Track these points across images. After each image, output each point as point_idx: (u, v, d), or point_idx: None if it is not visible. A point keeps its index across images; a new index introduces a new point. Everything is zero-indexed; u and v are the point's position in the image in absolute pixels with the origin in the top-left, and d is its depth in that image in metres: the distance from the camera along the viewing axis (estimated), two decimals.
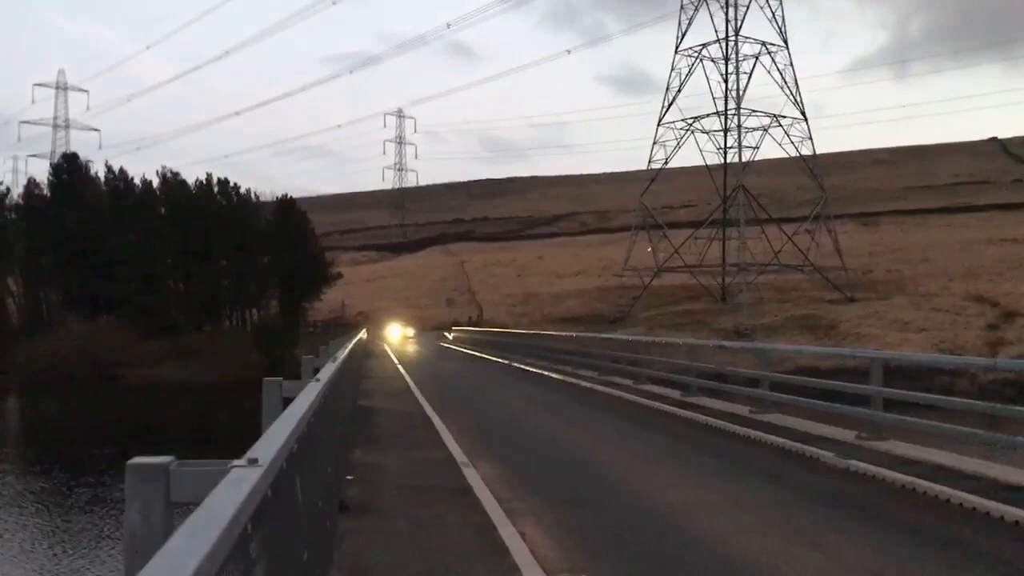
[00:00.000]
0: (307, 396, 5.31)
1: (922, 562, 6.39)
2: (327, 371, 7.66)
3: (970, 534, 7.14)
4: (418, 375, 25.89)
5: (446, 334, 63.10)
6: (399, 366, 30.74)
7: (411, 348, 50.22)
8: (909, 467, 9.47)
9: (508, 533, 7.17)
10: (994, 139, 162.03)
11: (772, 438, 11.98)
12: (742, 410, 14.91)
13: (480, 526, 7.48)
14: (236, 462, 2.73)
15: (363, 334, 33.11)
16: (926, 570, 6.17)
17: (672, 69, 65.07)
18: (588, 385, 21.71)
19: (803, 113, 63.53)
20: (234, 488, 2.37)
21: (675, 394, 18.01)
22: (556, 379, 24.18)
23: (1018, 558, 6.49)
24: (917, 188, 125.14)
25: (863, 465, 9.70)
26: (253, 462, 2.73)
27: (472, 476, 9.69)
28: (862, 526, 7.50)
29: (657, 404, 16.88)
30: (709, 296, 62.26)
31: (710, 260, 61.81)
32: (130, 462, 2.85)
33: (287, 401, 6.56)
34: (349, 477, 9.15)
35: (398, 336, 63.26)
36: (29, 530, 17.67)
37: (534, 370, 27.71)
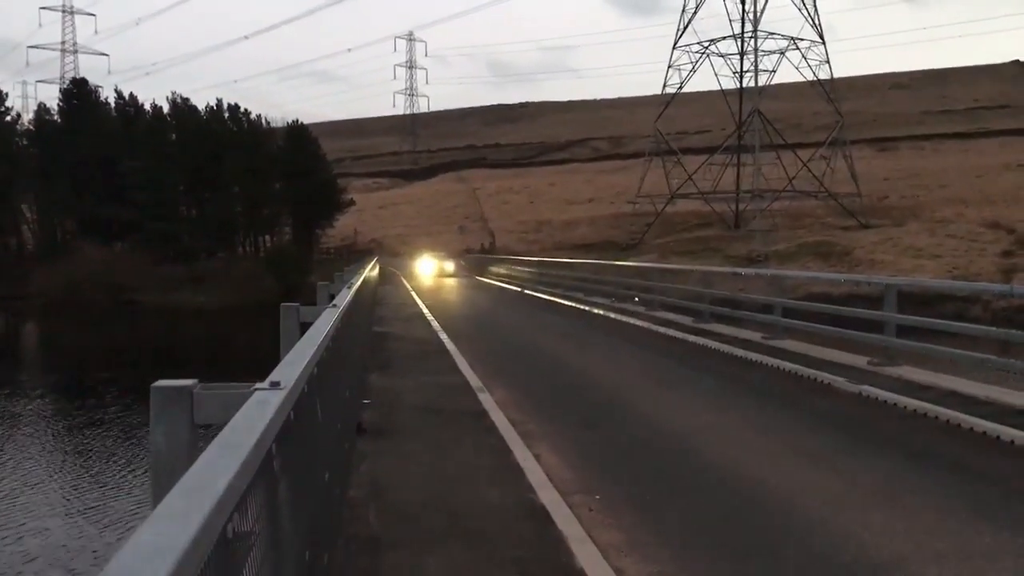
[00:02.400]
0: (325, 321, 5.35)
1: (932, 485, 6.46)
2: (343, 297, 7.70)
3: (981, 459, 7.20)
4: (431, 302, 25.98)
5: (462, 261, 59.19)
6: (413, 293, 30.85)
7: (433, 282, 40.73)
8: (921, 392, 9.52)
9: (523, 455, 7.27)
10: (1016, 62, 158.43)
11: (784, 363, 12.04)
12: (754, 336, 14.94)
13: (495, 448, 7.59)
14: (259, 385, 2.76)
15: (372, 269, 23.98)
16: (937, 493, 6.24)
17: None
18: (601, 312, 21.77)
19: (821, 36, 62.30)
20: (259, 410, 2.40)
21: (687, 320, 18.06)
22: (569, 305, 24.24)
23: None
24: (935, 113, 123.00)
25: (875, 390, 9.75)
26: (275, 385, 2.76)
27: (487, 400, 9.80)
28: (874, 450, 7.58)
29: (669, 330, 16.94)
30: (722, 223, 61.93)
31: (724, 186, 61.29)
32: (154, 384, 2.88)
33: (304, 326, 6.61)
34: (366, 401, 9.27)
35: (431, 271, 46.34)
36: (53, 452, 18.04)
37: (547, 297, 27.77)
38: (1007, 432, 7.64)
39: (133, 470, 15.86)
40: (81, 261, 57.01)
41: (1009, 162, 72.24)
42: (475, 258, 55.15)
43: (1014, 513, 5.80)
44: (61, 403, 23.62)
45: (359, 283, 11.26)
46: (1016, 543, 5.22)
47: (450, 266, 47.19)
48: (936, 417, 8.49)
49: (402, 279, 41.38)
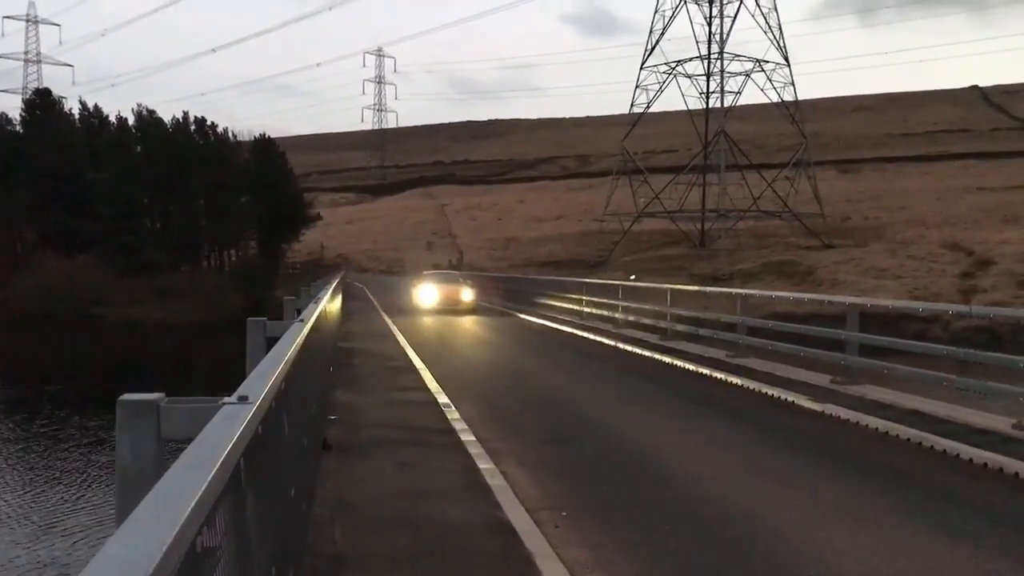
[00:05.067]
0: (292, 336, 5.32)
1: (895, 502, 6.54)
2: (310, 312, 7.67)
3: (942, 476, 7.31)
4: (400, 320, 25.87)
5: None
6: (382, 312, 30.73)
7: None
8: (883, 411, 9.65)
9: (490, 472, 7.26)
10: (975, 87, 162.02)
11: (748, 382, 12.14)
12: (719, 354, 15.07)
13: (462, 466, 7.57)
14: (227, 399, 2.75)
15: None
16: (899, 510, 6.32)
17: (656, 11, 64.35)
18: (568, 329, 21.82)
19: (786, 58, 63.18)
20: (227, 424, 2.39)
21: (654, 338, 18.16)
22: (536, 322, 24.26)
23: (988, 498, 6.67)
24: (897, 136, 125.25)
25: (838, 409, 9.87)
26: (244, 399, 2.75)
27: (454, 416, 9.78)
28: (837, 468, 7.66)
29: (636, 348, 17.02)
30: (688, 241, 62.43)
31: (690, 205, 61.82)
32: (121, 398, 2.86)
33: (271, 341, 6.57)
34: (332, 417, 9.21)
35: (432, 300, 28.82)
36: (16, 467, 17.70)
37: (515, 314, 27.77)
38: (967, 451, 7.76)
39: (92, 485, 15.60)
40: (42, 273, 56.11)
41: (969, 185, 73.68)
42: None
43: (974, 530, 5.89)
44: (20, 417, 23.19)
45: (326, 298, 11.19)
46: (975, 560, 5.31)
47: (468, 294, 29.37)
48: (897, 436, 8.60)
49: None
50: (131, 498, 2.75)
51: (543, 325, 23.54)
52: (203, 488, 1.76)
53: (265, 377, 3.35)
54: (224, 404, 2.70)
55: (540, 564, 5.11)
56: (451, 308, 28.09)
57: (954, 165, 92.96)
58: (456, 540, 5.58)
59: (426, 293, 29.56)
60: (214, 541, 1.92)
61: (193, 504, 1.64)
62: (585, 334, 20.25)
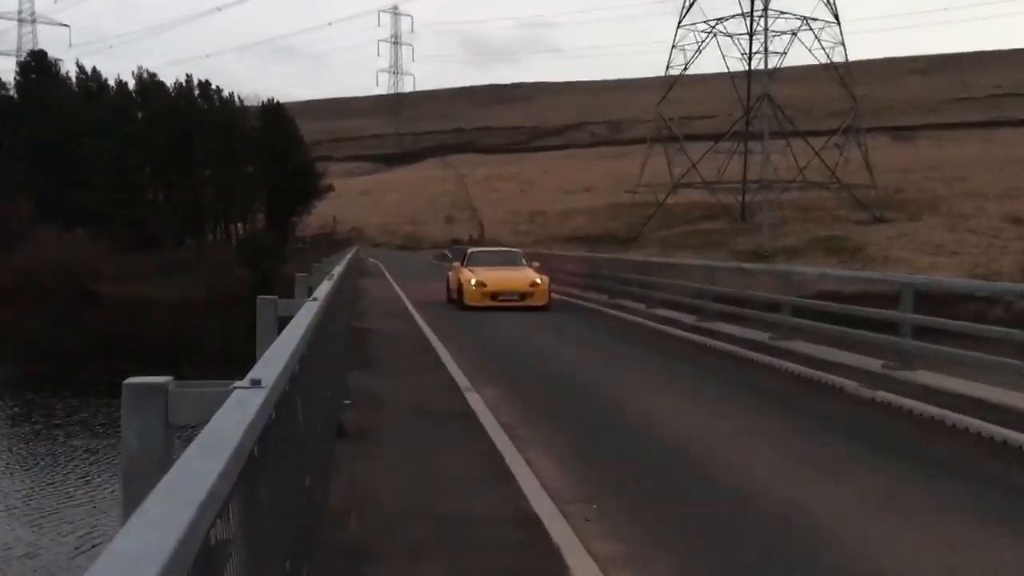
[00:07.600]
0: (305, 315, 5.35)
1: (951, 496, 6.50)
2: (323, 290, 7.70)
3: (1002, 469, 7.25)
4: (416, 296, 25.92)
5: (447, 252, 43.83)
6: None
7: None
8: (939, 398, 9.56)
9: (514, 460, 7.28)
10: None
11: (792, 366, 12.08)
12: (761, 336, 14.99)
13: (485, 452, 7.60)
14: (238, 383, 2.76)
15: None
16: (954, 505, 6.28)
17: None
18: (598, 308, 21.79)
19: (835, 16, 62.36)
20: (239, 410, 2.40)
21: (690, 318, 18.10)
22: (566, 301, 24.22)
23: None
24: (955, 100, 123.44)
25: (889, 395, 9.80)
26: (256, 383, 2.76)
27: (475, 401, 9.80)
28: (888, 459, 7.62)
29: (670, 328, 16.99)
30: (728, 215, 62.01)
31: (730, 176, 61.36)
32: (127, 382, 2.88)
33: (282, 320, 6.61)
34: (347, 401, 9.26)
35: (484, 289, 21.33)
36: (16, 452, 17.97)
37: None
38: None
39: (90, 473, 15.81)
40: (39, 248, 56.73)
41: None
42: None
43: None
44: (16, 400, 23.50)
45: (339, 275, 11.21)
46: None
47: (538, 282, 21.81)
48: (954, 424, 8.53)
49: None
50: (137, 486, 2.78)
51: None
52: (216, 477, 1.77)
53: (278, 359, 3.36)
54: (235, 388, 2.71)
55: (569, 559, 5.10)
56: (515, 303, 21.24)
57: (1018, 132, 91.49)
58: (480, 532, 5.60)
59: (475, 280, 21.70)
60: (228, 533, 1.93)
61: (206, 495, 1.65)
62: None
